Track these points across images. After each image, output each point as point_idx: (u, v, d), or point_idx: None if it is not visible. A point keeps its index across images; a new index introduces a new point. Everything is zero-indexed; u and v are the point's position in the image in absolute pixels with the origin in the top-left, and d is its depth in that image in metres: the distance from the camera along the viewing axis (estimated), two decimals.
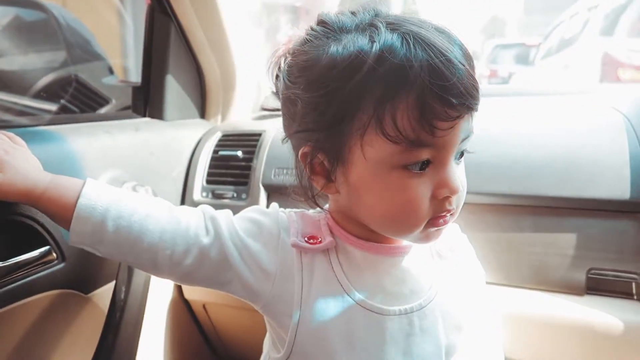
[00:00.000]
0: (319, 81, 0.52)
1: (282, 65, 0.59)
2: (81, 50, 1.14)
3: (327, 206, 0.64)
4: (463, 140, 0.54)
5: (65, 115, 1.07)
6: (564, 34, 5.27)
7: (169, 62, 1.09)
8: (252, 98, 1.33)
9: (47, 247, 0.74)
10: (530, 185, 0.86)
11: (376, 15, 0.54)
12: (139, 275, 0.83)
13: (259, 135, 1.11)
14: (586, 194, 0.84)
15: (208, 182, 1.10)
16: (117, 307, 0.80)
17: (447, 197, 0.53)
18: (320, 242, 0.59)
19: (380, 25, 0.51)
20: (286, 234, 0.60)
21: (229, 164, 1.09)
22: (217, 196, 1.08)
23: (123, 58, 1.46)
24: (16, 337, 0.74)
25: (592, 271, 0.83)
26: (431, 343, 0.59)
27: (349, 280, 0.58)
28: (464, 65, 0.50)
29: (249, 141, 1.10)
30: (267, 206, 1.07)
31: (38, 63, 1.17)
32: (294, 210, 0.64)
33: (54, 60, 1.15)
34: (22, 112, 1.14)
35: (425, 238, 0.57)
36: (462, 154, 0.57)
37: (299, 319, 0.56)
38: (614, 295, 0.83)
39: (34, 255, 0.72)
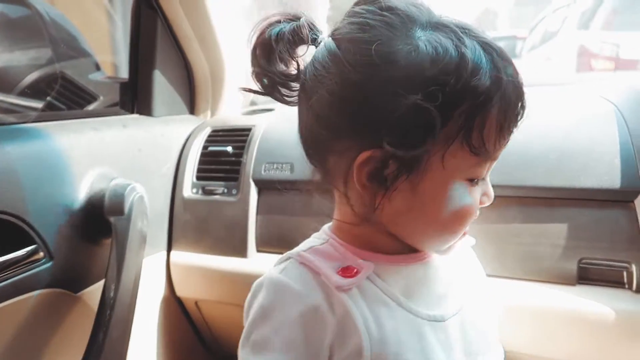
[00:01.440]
0: (413, 80, 0.46)
1: (324, 48, 0.53)
2: (67, 46, 1.13)
3: (326, 227, 0.60)
4: None
5: (51, 113, 1.05)
6: (547, 28, 5.54)
7: (157, 57, 1.08)
8: (241, 93, 1.32)
9: (33, 246, 0.73)
10: (521, 176, 0.86)
11: (429, 11, 0.52)
12: (128, 272, 0.82)
13: (249, 130, 1.10)
14: (577, 183, 0.83)
15: (198, 178, 1.09)
16: (106, 305, 0.79)
17: (485, 205, 0.56)
18: (358, 270, 0.53)
19: (455, 28, 0.49)
20: (313, 290, 0.53)
21: (219, 159, 1.08)
22: (207, 192, 1.07)
23: (112, 54, 1.44)
24: (4, 337, 0.74)
25: (584, 261, 0.83)
26: (482, 337, 0.60)
27: (406, 297, 0.55)
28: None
29: (239, 136, 1.09)
30: (258, 201, 1.08)
31: (23, 60, 1.15)
32: (303, 250, 0.57)
33: (39, 57, 1.13)
34: (7, 109, 1.13)
35: (451, 247, 0.58)
36: None
37: (372, 354, 0.51)
38: (606, 284, 0.83)
39: (20, 254, 0.71)
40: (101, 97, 1.18)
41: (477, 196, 0.53)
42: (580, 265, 0.83)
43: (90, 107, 1.15)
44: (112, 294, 0.79)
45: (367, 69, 0.48)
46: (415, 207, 0.52)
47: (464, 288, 0.61)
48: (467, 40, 0.48)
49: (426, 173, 0.50)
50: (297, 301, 0.52)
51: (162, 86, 1.11)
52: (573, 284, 0.83)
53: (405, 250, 0.57)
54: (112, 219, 0.83)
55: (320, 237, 0.59)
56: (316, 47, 0.54)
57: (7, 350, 0.74)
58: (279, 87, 0.57)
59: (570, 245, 0.83)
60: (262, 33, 0.55)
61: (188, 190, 1.08)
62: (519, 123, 0.51)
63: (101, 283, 0.83)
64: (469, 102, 0.47)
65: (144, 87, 1.09)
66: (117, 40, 1.38)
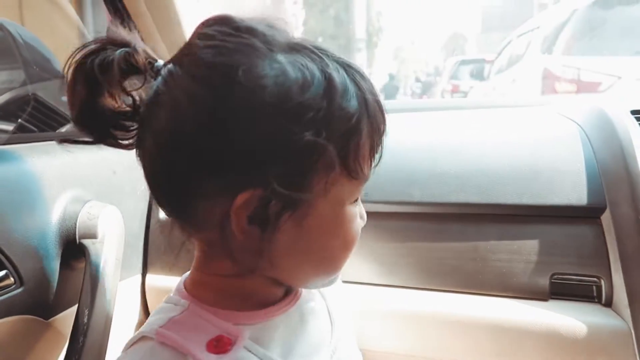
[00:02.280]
0: (286, 108, 0.42)
1: (175, 72, 0.45)
2: (40, 68, 1.11)
3: (181, 288, 0.52)
4: None
5: (23, 135, 1.03)
6: (512, 52, 5.79)
7: None
8: None
9: (4, 272, 0.71)
10: (493, 194, 0.89)
11: (285, 31, 0.48)
12: (103, 297, 0.80)
13: None
14: (546, 201, 0.86)
15: None
16: (79, 332, 0.77)
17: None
18: (231, 342, 0.46)
19: (315, 49, 0.46)
20: None
21: None
22: None
23: None
24: None
25: (555, 276, 0.85)
26: None
27: (286, 358, 0.50)
28: None
29: None
30: None
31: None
32: (161, 326, 0.47)
33: (10, 79, 1.11)
34: None
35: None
36: None
37: None
38: (577, 299, 0.85)
39: None
40: None
41: (358, 219, 0.52)
42: (552, 280, 0.85)
43: (63, 129, 1.13)
44: (85, 320, 0.77)
45: (234, 99, 0.42)
46: (302, 245, 0.48)
47: (335, 323, 0.58)
48: (329, 62, 0.45)
49: (310, 207, 0.46)
50: None
51: None
52: (546, 299, 0.85)
53: (277, 297, 0.53)
54: (85, 243, 0.81)
55: (178, 302, 0.50)
56: (157, 77, 0.46)
57: None
58: (111, 130, 0.48)
59: (542, 261, 0.86)
60: (81, 64, 0.46)
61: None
62: (383, 142, 0.50)
63: (74, 309, 0.80)
64: (342, 126, 0.45)
65: None
66: None
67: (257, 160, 0.43)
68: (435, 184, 0.92)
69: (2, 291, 0.71)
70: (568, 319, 0.82)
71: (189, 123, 0.43)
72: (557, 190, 0.86)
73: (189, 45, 0.46)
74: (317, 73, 0.44)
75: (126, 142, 0.49)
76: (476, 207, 0.89)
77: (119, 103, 0.48)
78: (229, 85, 0.42)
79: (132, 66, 0.46)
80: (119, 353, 0.49)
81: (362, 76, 0.48)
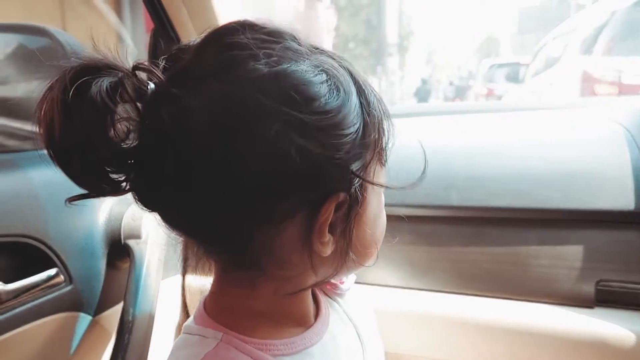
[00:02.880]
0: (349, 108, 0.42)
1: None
2: None
3: (204, 317, 0.47)
4: None
5: None
6: (549, 54, 5.66)
7: None
8: None
9: (54, 270, 0.74)
10: (535, 199, 0.87)
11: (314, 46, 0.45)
12: (146, 296, 0.82)
13: None
14: (590, 205, 0.84)
15: None
16: (125, 329, 0.79)
17: None
18: None
19: (325, 51, 0.46)
20: None
21: None
22: None
23: None
24: None
25: (601, 283, 0.83)
26: None
27: None
28: None
29: None
30: None
31: (42, 89, 1.18)
32: None
33: None
34: (27, 137, 1.15)
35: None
36: None
37: None
38: (624, 307, 0.82)
39: (41, 277, 0.72)
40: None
41: None
42: (598, 287, 0.83)
43: None
44: (130, 318, 0.79)
45: (309, 106, 0.39)
46: (361, 239, 0.47)
47: (362, 340, 0.56)
48: (347, 63, 0.46)
49: (365, 199, 0.45)
50: None
51: None
52: (591, 307, 0.83)
53: (309, 312, 0.50)
54: (130, 243, 0.84)
55: (206, 335, 0.45)
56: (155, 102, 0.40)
57: None
58: (110, 174, 0.42)
59: (587, 267, 0.84)
60: (81, 92, 0.38)
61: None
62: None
63: (119, 306, 0.83)
64: (377, 120, 0.46)
65: None
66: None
67: (324, 170, 0.40)
68: (473, 188, 0.91)
69: (53, 289, 0.74)
70: (615, 327, 0.79)
71: (242, 150, 0.38)
72: (603, 194, 0.84)
73: (216, 54, 0.40)
74: (355, 73, 0.46)
75: (123, 184, 0.43)
76: (516, 211, 0.88)
77: (119, 136, 0.40)
78: (288, 103, 0.38)
79: (126, 93, 0.39)
80: (161, 352, 0.49)
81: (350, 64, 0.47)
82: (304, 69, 0.40)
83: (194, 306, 1.07)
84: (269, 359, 0.43)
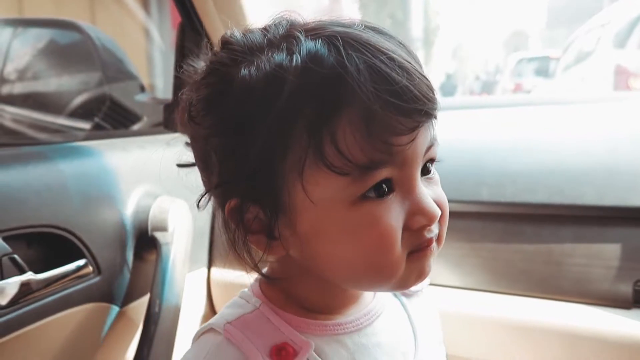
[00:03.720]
0: (232, 115, 0.41)
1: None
2: (115, 69, 1.18)
3: (255, 286, 0.50)
4: (427, 151, 0.44)
5: (99, 132, 1.09)
6: (581, 48, 5.51)
7: None
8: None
9: (83, 260, 0.75)
10: (570, 195, 0.84)
11: (291, 25, 0.44)
12: (172, 288, 0.83)
13: None
14: (629, 202, 0.81)
15: None
16: (151, 320, 0.80)
17: (426, 225, 0.43)
18: (295, 352, 0.45)
19: (299, 34, 0.41)
20: None
21: None
22: None
23: (150, 77, 1.49)
24: (54, 349, 0.75)
25: (639, 283, 0.80)
26: None
27: None
28: (411, 64, 0.41)
29: None
30: None
31: (74, 83, 1.20)
32: (229, 322, 0.46)
33: (89, 80, 1.18)
34: (58, 130, 1.17)
35: (413, 278, 0.45)
36: (432, 163, 0.47)
37: None
38: None
39: (70, 268, 0.73)
40: (145, 118, 1.22)
41: (392, 215, 0.42)
42: (636, 287, 0.80)
43: (135, 127, 1.19)
44: (156, 309, 0.80)
45: (204, 114, 0.44)
46: (314, 252, 0.44)
47: (419, 350, 0.53)
48: (306, 43, 0.40)
49: (297, 210, 0.42)
50: None
51: None
52: (628, 308, 0.80)
53: (345, 303, 0.50)
54: (156, 235, 0.85)
55: (250, 300, 0.49)
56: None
57: None
58: None
59: (624, 267, 0.80)
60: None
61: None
62: (409, 110, 0.39)
63: (146, 298, 0.84)
64: (305, 114, 0.39)
65: None
66: (157, 62, 1.43)
67: (227, 173, 0.44)
68: (505, 183, 0.88)
69: (82, 279, 0.75)
70: None
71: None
72: None
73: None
74: (284, 62, 0.40)
75: None
76: (550, 207, 0.85)
77: None
78: (205, 105, 0.44)
79: None
80: (186, 344, 0.50)
81: (365, 44, 0.40)
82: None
83: (219, 299, 1.08)
84: (296, 334, 0.45)
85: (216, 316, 0.48)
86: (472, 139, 1.00)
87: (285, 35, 0.42)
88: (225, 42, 0.44)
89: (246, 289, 0.51)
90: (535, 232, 0.86)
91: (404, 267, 0.43)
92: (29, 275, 0.65)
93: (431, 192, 0.44)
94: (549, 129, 0.99)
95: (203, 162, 0.47)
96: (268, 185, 0.42)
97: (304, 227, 0.43)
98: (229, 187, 0.44)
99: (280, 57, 0.40)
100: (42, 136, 1.22)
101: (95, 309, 0.78)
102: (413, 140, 0.40)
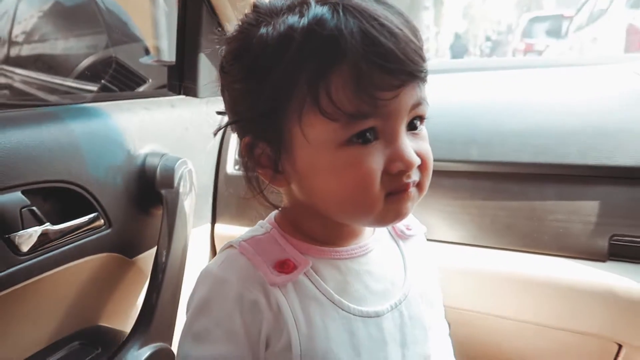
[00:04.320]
0: (251, 65, 0.50)
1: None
2: (119, 32, 1.20)
3: (273, 215, 0.60)
4: (413, 108, 0.50)
5: (106, 94, 1.13)
6: (594, 7, 5.33)
7: (201, 42, 1.14)
8: None
9: (95, 214, 0.80)
10: (554, 154, 0.88)
11: None
12: (178, 241, 0.89)
13: None
14: (611, 162, 0.84)
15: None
16: (159, 270, 0.86)
17: (404, 171, 0.49)
18: (295, 266, 0.54)
19: (311, 1, 0.48)
20: (251, 283, 0.53)
21: None
22: None
23: (155, 39, 1.51)
24: (69, 295, 0.82)
25: (615, 237, 0.84)
26: (419, 327, 0.61)
27: (339, 294, 0.55)
28: (401, 30, 0.46)
29: None
30: None
31: (80, 46, 1.23)
32: (244, 240, 0.56)
33: (95, 43, 1.21)
34: (67, 92, 1.21)
35: (390, 217, 0.52)
36: (421, 121, 0.53)
37: (302, 352, 0.53)
38: (637, 261, 0.84)
39: (83, 220, 0.79)
40: (150, 79, 1.26)
41: (373, 160, 0.48)
42: (611, 242, 0.84)
43: (140, 89, 1.23)
44: (163, 260, 0.86)
45: (231, 63, 0.53)
46: (309, 185, 0.52)
47: (407, 282, 0.61)
48: (314, 9, 0.47)
49: (296, 148, 0.50)
50: (236, 295, 0.52)
51: (206, 69, 1.16)
52: (604, 260, 0.85)
53: (345, 236, 0.58)
54: (163, 192, 0.90)
55: (264, 226, 0.59)
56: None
57: (71, 306, 0.83)
58: None
59: (602, 223, 0.85)
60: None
61: (231, 167, 1.14)
62: (393, 69, 0.46)
63: (153, 250, 0.90)
64: (307, 68, 0.46)
65: (190, 70, 1.15)
66: (161, 25, 1.45)
67: (243, 112, 0.53)
68: (493, 143, 0.92)
69: (94, 231, 0.81)
70: (626, 280, 0.81)
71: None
72: (623, 150, 0.84)
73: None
74: (295, 23, 0.47)
75: None
76: (535, 166, 0.89)
77: None
78: (232, 56, 0.53)
79: None
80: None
81: (362, 11, 0.46)
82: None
83: None
84: (298, 253, 0.55)
85: (234, 239, 0.58)
86: (467, 100, 1.03)
87: (301, 1, 0.49)
88: (254, 6, 0.52)
89: (263, 220, 0.61)
90: (521, 189, 0.90)
91: (382, 206, 0.50)
92: (47, 226, 0.71)
93: (415, 145, 0.51)
94: (540, 91, 1.01)
95: (230, 106, 0.56)
96: (274, 125, 0.50)
97: (302, 163, 0.51)
98: (245, 125, 0.54)
99: (292, 19, 0.47)
100: (51, 97, 1.26)
101: (107, 258, 0.85)
102: (396, 96, 0.47)
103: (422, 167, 0.52)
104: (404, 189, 0.50)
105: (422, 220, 0.98)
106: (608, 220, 0.84)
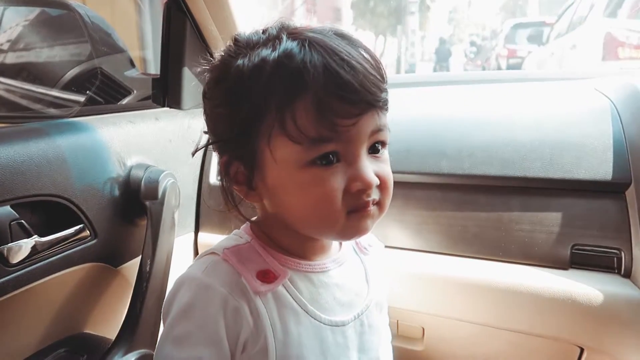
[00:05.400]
0: (229, 91, 0.56)
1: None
2: (105, 45, 1.23)
3: (246, 227, 0.65)
4: (373, 134, 0.55)
5: (92, 107, 1.16)
6: (574, 15, 5.47)
7: (185, 55, 1.17)
8: None
9: (81, 225, 0.83)
10: (520, 168, 0.93)
11: (282, 28, 0.57)
12: (162, 250, 0.92)
13: None
14: (572, 175, 0.89)
15: None
16: (143, 278, 0.89)
17: (363, 190, 0.54)
18: (276, 276, 0.58)
19: (283, 35, 0.54)
20: (235, 290, 0.56)
21: None
22: None
23: (140, 50, 1.54)
24: (56, 304, 0.85)
25: (576, 247, 0.89)
26: (376, 334, 0.67)
27: (311, 305, 0.60)
28: (361, 64, 0.52)
29: None
30: None
31: (65, 56, 1.26)
32: (227, 248, 0.60)
33: (80, 54, 1.23)
34: (52, 102, 1.24)
35: (350, 233, 0.57)
36: (383, 145, 0.58)
37: (277, 357, 0.57)
38: (597, 269, 0.89)
39: (70, 232, 0.82)
40: (134, 91, 1.29)
41: (335, 180, 0.53)
42: (573, 251, 0.89)
43: (125, 101, 1.25)
44: (147, 269, 0.90)
45: (213, 89, 0.60)
46: (278, 201, 0.58)
47: (370, 294, 0.67)
48: (285, 43, 0.53)
49: (266, 167, 0.56)
50: (221, 301, 0.55)
51: (190, 81, 1.20)
52: (566, 268, 0.90)
53: (316, 249, 0.63)
54: (147, 203, 0.93)
55: (243, 237, 0.63)
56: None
57: (58, 314, 0.86)
58: None
59: (564, 232, 0.90)
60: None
61: (214, 177, 1.18)
62: (351, 100, 0.51)
63: (138, 259, 0.93)
64: (276, 95, 0.52)
65: (174, 83, 1.19)
66: (146, 37, 1.48)
67: (221, 134, 0.60)
68: (463, 157, 0.97)
69: (80, 242, 0.84)
70: (586, 287, 0.86)
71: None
72: (584, 165, 0.89)
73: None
74: (267, 55, 0.53)
75: None
76: (502, 179, 0.94)
77: None
78: (213, 83, 0.60)
79: None
80: None
81: (326, 48, 0.52)
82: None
83: None
84: (277, 264, 0.59)
85: (215, 245, 0.62)
86: (437, 114, 1.08)
87: (275, 36, 0.55)
88: (235, 39, 0.59)
89: (239, 229, 0.65)
90: (488, 201, 0.95)
91: (344, 222, 0.55)
92: (35, 238, 0.74)
93: (376, 167, 0.56)
94: (508, 105, 1.07)
95: (210, 128, 0.62)
96: (247, 146, 0.56)
97: (271, 181, 0.56)
98: (223, 145, 0.59)
99: (265, 52, 0.53)
100: (36, 107, 1.27)
101: (92, 268, 0.88)
102: (355, 124, 0.53)
103: (381, 188, 0.57)
104: (364, 207, 0.55)
105: (394, 229, 1.03)
106: (569, 230, 0.89)
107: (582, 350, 0.91)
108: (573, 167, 0.90)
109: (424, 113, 1.10)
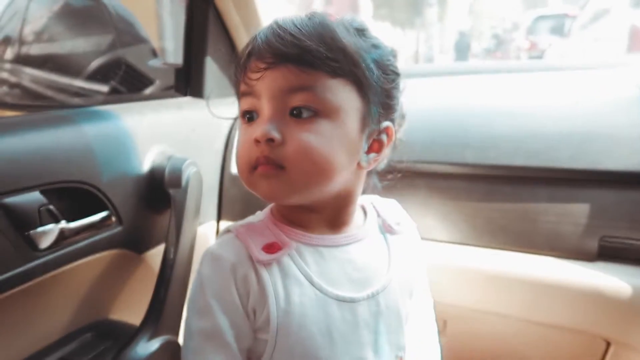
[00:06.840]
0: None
1: None
2: (129, 35, 1.24)
3: (266, 208, 0.69)
4: (290, 93, 0.56)
5: (116, 96, 1.17)
6: (598, 6, 5.33)
7: (208, 44, 1.17)
8: None
9: (107, 212, 0.84)
10: (546, 158, 0.91)
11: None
12: (185, 238, 0.93)
13: None
14: (600, 166, 0.88)
15: None
16: (167, 265, 0.90)
17: (258, 143, 0.57)
18: (280, 247, 0.61)
19: (273, 22, 0.60)
20: (242, 259, 0.60)
21: None
22: None
23: (161, 40, 1.54)
24: (81, 289, 0.86)
25: (604, 238, 0.88)
26: (395, 317, 0.66)
27: (319, 277, 0.61)
28: (290, 32, 0.56)
29: None
30: None
31: (90, 47, 1.27)
32: (241, 225, 0.65)
33: (105, 45, 1.25)
34: (77, 93, 1.25)
35: (253, 189, 0.61)
36: (315, 113, 0.56)
37: (278, 325, 0.59)
38: (626, 262, 0.87)
39: (96, 218, 0.83)
40: (157, 81, 1.29)
41: (249, 134, 0.59)
42: (601, 242, 0.88)
43: (148, 91, 1.26)
44: (171, 256, 0.90)
45: None
46: None
47: (389, 274, 0.66)
48: (271, 23, 0.59)
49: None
50: (230, 268, 0.59)
51: (212, 71, 1.20)
52: (593, 261, 0.88)
53: (330, 224, 0.65)
54: (171, 191, 0.94)
55: (259, 215, 0.68)
56: None
57: (83, 300, 0.87)
58: None
59: (592, 224, 0.88)
60: None
61: (235, 167, 1.18)
62: (258, 55, 0.57)
63: (162, 246, 0.94)
64: (242, 59, 0.60)
65: (197, 72, 1.19)
66: (166, 27, 1.48)
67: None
68: (488, 147, 0.96)
69: (106, 229, 0.85)
70: (613, 279, 0.85)
71: None
72: (613, 155, 0.87)
73: None
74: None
75: None
76: (528, 170, 0.92)
77: None
78: None
79: None
80: None
81: (277, 23, 0.58)
82: None
83: None
84: (284, 237, 0.63)
85: (233, 224, 0.66)
86: (462, 105, 1.07)
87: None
88: None
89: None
90: (514, 192, 0.94)
91: (246, 177, 0.60)
92: (63, 224, 0.75)
93: (290, 130, 0.56)
94: (535, 95, 1.05)
95: None
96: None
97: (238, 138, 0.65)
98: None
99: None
100: (61, 97, 1.29)
101: (118, 254, 0.89)
102: (261, 77, 0.57)
103: (288, 152, 0.56)
104: (258, 163, 0.58)
105: (420, 220, 1.02)
106: (597, 222, 0.88)
107: (608, 344, 0.89)
108: (602, 157, 0.88)
109: (448, 103, 1.08)
